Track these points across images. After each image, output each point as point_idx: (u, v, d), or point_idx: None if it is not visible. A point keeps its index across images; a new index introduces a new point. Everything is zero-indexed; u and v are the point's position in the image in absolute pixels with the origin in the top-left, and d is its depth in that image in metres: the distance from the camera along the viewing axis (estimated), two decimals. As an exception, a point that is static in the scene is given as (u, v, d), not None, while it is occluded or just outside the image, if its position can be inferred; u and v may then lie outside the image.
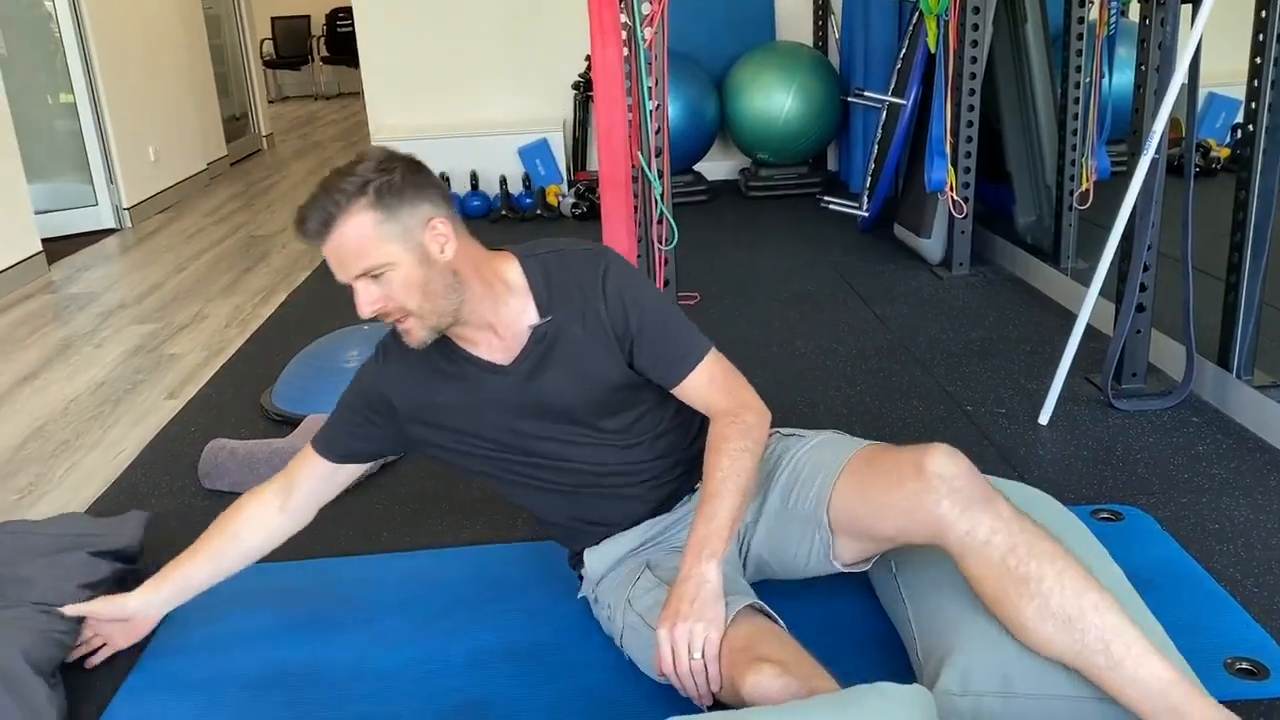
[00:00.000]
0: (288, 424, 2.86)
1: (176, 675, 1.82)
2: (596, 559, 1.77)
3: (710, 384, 1.67)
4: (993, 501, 1.48)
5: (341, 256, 1.52)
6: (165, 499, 2.54)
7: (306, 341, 3.33)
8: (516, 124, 5.76)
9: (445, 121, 5.84)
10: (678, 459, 1.77)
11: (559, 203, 5.33)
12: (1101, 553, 1.73)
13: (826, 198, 4.67)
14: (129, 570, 2.08)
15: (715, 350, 1.70)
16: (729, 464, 1.58)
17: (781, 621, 1.57)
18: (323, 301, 4.14)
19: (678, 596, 1.51)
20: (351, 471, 1.87)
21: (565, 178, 5.63)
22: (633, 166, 2.57)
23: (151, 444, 2.87)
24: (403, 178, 1.52)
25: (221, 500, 2.48)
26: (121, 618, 1.84)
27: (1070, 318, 3.33)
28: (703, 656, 1.47)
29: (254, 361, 3.47)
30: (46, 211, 5.23)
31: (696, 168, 5.53)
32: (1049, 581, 1.41)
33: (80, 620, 1.85)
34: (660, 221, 2.55)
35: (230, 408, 3.07)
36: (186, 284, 4.56)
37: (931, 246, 3.97)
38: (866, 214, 4.47)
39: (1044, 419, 2.62)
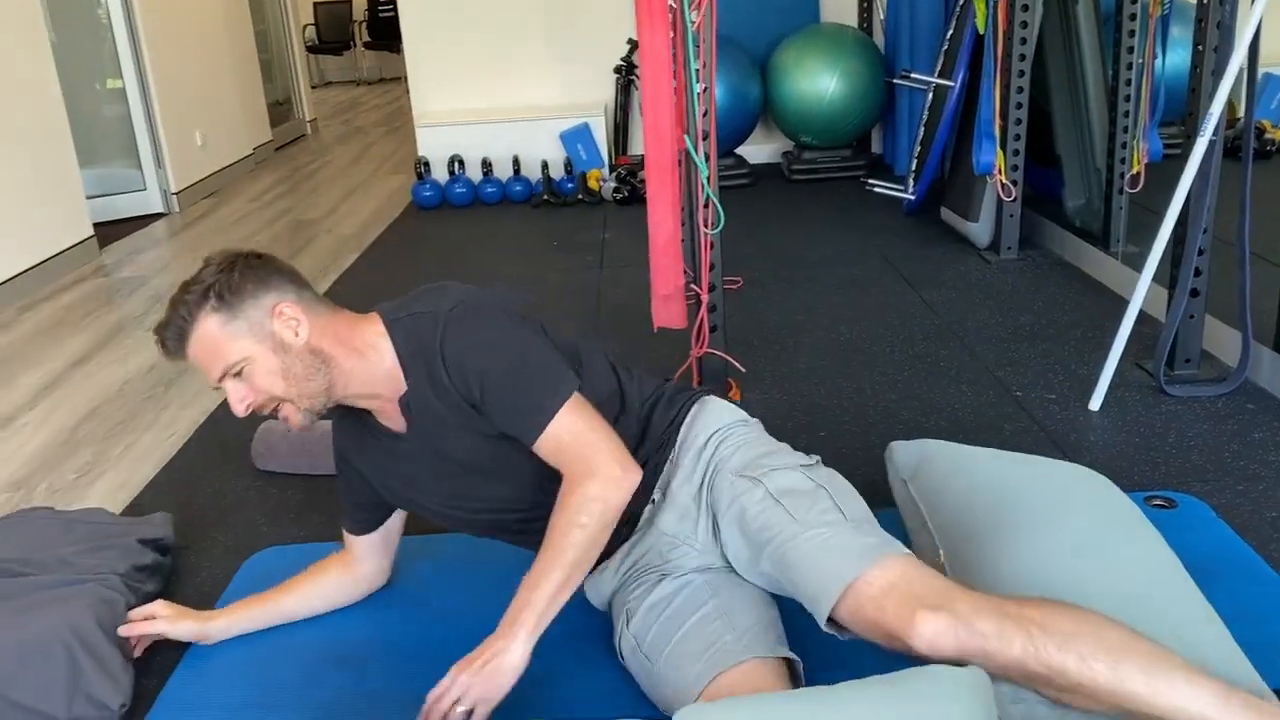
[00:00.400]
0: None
1: (239, 649, 1.85)
2: (594, 594, 1.78)
3: (557, 452, 1.58)
4: (991, 637, 1.37)
5: (202, 363, 1.56)
6: (218, 479, 2.58)
7: (354, 325, 3.37)
8: (558, 108, 5.76)
9: (488, 106, 5.86)
10: None
11: (600, 187, 5.33)
12: (1156, 538, 1.71)
13: (871, 181, 4.63)
14: (164, 562, 2.13)
15: (573, 401, 1.59)
16: (559, 539, 1.53)
17: (798, 665, 1.55)
18: (371, 285, 4.18)
19: (479, 651, 1.51)
20: (394, 525, 1.90)
21: (607, 162, 5.63)
22: (679, 150, 2.56)
23: (203, 425, 2.92)
24: (241, 274, 1.55)
25: (273, 480, 2.54)
26: (200, 638, 1.86)
27: (1121, 303, 3.29)
28: (467, 713, 1.49)
29: (302, 344, 3.51)
30: (96, 196, 5.31)
31: (738, 151, 5.51)
32: (1071, 667, 1.35)
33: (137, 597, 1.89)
34: (706, 205, 2.54)
35: (280, 390, 3.10)
36: (234, 268, 4.61)
37: (979, 230, 3.93)
38: (912, 197, 4.43)
39: (1095, 404, 2.59)
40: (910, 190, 4.46)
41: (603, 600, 1.78)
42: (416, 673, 1.62)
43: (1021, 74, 3.69)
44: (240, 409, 1.57)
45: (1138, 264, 2.84)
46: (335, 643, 1.85)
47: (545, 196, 5.36)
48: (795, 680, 1.56)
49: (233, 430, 2.84)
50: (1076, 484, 1.90)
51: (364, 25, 12.21)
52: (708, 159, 2.52)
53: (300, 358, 1.56)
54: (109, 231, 5.26)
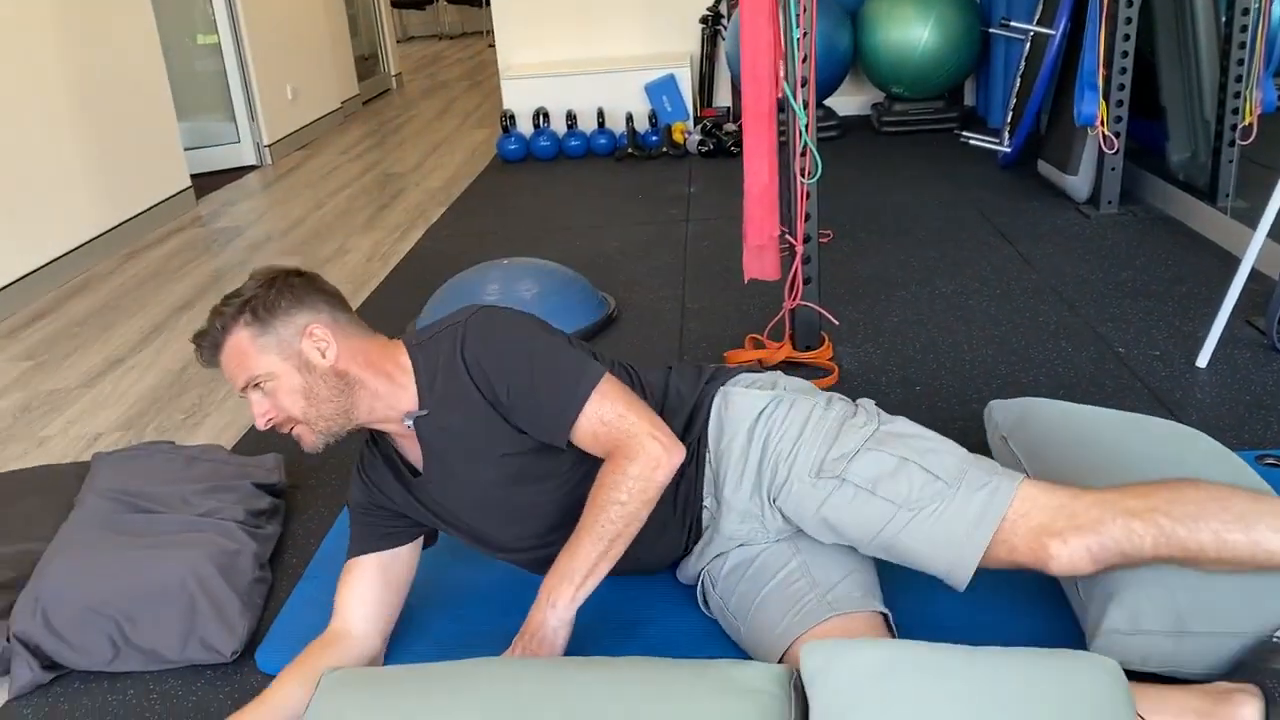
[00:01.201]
0: (431, 354, 2.94)
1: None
2: (681, 574, 1.78)
3: (594, 438, 1.56)
4: (1122, 542, 1.42)
5: (228, 371, 1.58)
6: (319, 423, 2.64)
7: (445, 275, 3.40)
8: (644, 59, 5.72)
9: (573, 58, 5.84)
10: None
11: (685, 140, 5.29)
12: (1268, 492, 1.66)
13: (965, 133, 4.52)
14: (279, 504, 2.19)
15: (603, 384, 1.57)
16: (597, 514, 1.52)
17: (888, 618, 1.55)
18: (460, 238, 4.23)
19: (524, 629, 1.52)
20: (403, 570, 1.73)
21: (691, 115, 5.59)
22: (776, 98, 2.53)
23: (303, 371, 2.98)
24: (279, 291, 1.57)
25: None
26: None
27: (1228, 259, 3.19)
28: None
29: (397, 295, 3.56)
30: (192, 149, 5.43)
31: (827, 102, 5.42)
32: (1208, 545, 1.40)
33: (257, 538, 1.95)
34: (804, 154, 2.50)
35: (375, 338, 3.16)
36: (327, 219, 4.70)
37: (1078, 183, 3.82)
38: (1008, 150, 4.32)
39: (1202, 361, 2.52)
40: (1006, 143, 4.35)
41: (690, 578, 1.78)
42: (513, 609, 1.64)
43: (1129, 21, 3.55)
44: (261, 422, 1.58)
45: (1248, 219, 2.74)
46: (438, 580, 1.89)
47: (630, 149, 5.34)
48: (889, 634, 1.55)
49: (331, 376, 2.91)
50: (1182, 441, 1.86)
51: (447, -20, 12.22)
52: (806, 106, 2.48)
53: (324, 379, 1.57)
54: (204, 183, 5.38)
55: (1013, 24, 4.24)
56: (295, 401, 1.57)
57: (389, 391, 1.60)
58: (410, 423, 1.61)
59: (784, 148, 2.56)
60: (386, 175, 5.52)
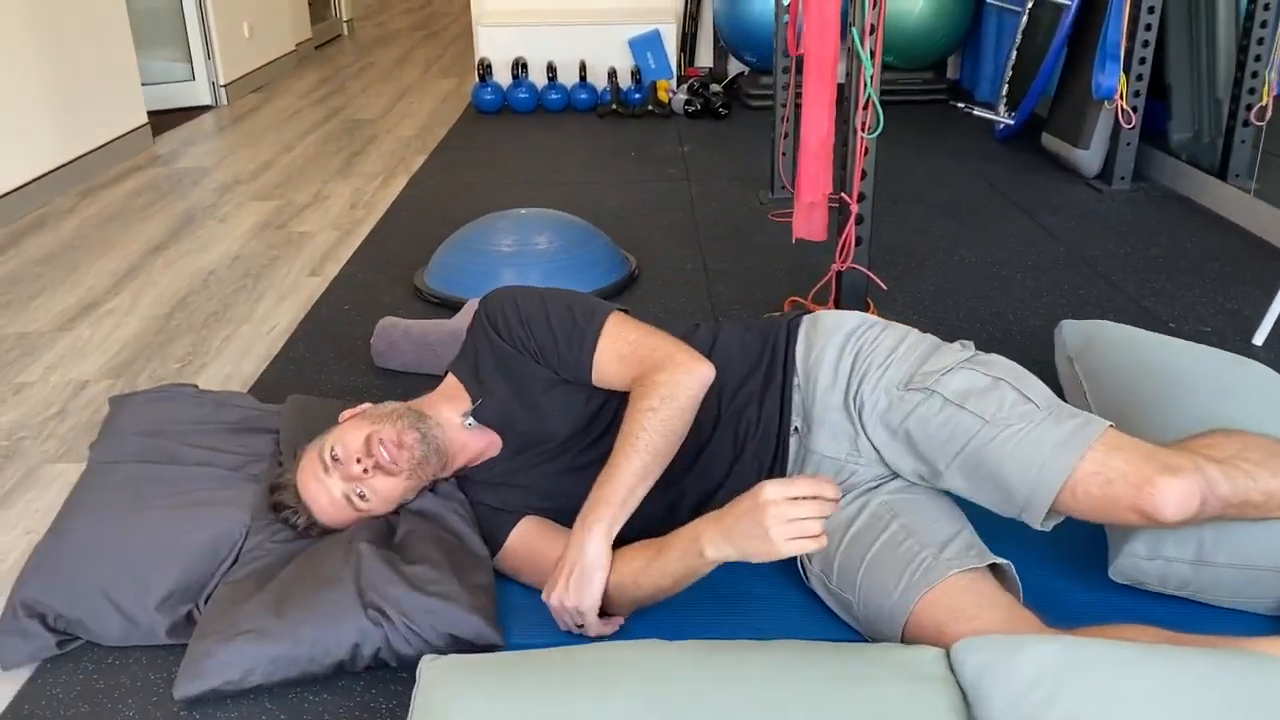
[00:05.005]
0: (445, 306, 2.76)
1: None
2: None
3: (620, 361, 1.58)
4: (1217, 485, 1.39)
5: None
6: (336, 376, 2.45)
7: (440, 225, 3.24)
8: (627, 13, 5.53)
9: (552, 8, 5.62)
10: (736, 387, 1.66)
11: (670, 99, 5.13)
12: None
13: (965, 104, 4.46)
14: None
15: (615, 317, 1.61)
16: (629, 427, 1.50)
17: (1011, 571, 1.47)
18: (449, 186, 4.02)
19: (559, 564, 1.48)
20: None
21: (675, 74, 5.42)
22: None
23: (306, 320, 2.77)
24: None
25: (395, 380, 2.40)
26: None
27: (1250, 237, 3.17)
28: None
29: (390, 242, 3.36)
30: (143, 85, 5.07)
31: (814, 69, 5.29)
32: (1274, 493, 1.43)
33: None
34: (866, 107, 2.38)
35: (379, 288, 2.96)
36: (298, 164, 4.43)
37: (1089, 158, 3.77)
38: (1011, 122, 4.25)
39: (1259, 339, 2.47)
40: (1008, 115, 4.28)
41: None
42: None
43: (1154, -7, 3.50)
44: (356, 469, 1.60)
45: (1271, 199, 2.70)
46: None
47: (613, 106, 5.15)
48: (1012, 586, 1.47)
49: (342, 327, 2.71)
50: (1247, 371, 1.86)
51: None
52: (873, 55, 2.35)
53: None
54: (157, 122, 5.04)
55: (1028, -8, 4.13)
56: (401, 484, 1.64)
57: (445, 424, 1.66)
58: (470, 421, 1.67)
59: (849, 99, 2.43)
60: (353, 121, 5.24)
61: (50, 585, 1.58)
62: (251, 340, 2.69)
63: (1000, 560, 1.47)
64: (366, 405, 1.71)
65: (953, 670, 1.24)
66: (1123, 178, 3.69)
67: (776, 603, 1.63)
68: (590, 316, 1.61)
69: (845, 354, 1.64)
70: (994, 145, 4.37)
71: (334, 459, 1.59)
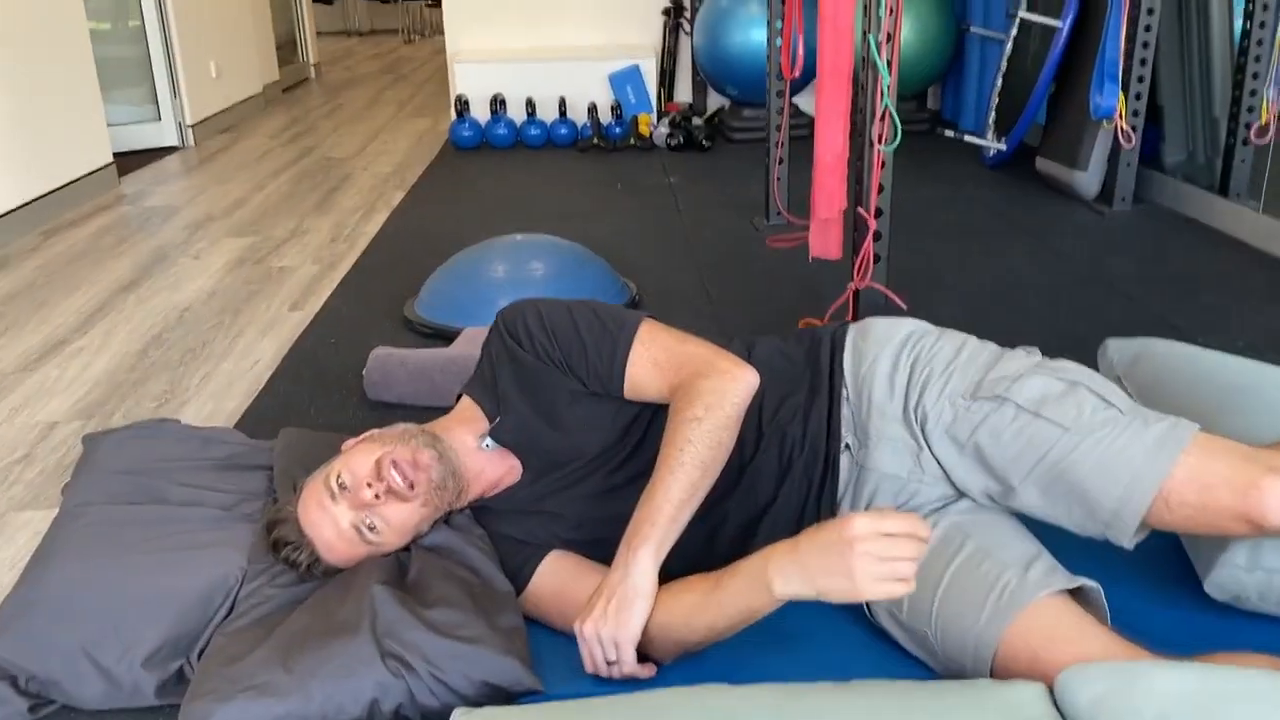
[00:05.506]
0: (438, 336, 2.61)
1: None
2: None
3: (655, 368, 1.45)
4: None
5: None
6: (326, 411, 2.28)
7: (427, 256, 3.10)
8: (606, 50, 5.45)
9: (529, 44, 5.54)
10: (778, 400, 1.52)
11: (651, 133, 5.04)
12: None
13: (954, 131, 4.39)
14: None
15: (648, 323, 1.49)
16: (672, 440, 1.37)
17: (1098, 593, 1.32)
18: (433, 219, 3.88)
19: (598, 590, 1.34)
20: None
21: (655, 108, 5.34)
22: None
23: (290, 354, 2.61)
24: None
25: (390, 413, 2.23)
26: None
27: (1260, 255, 3.10)
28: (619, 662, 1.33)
29: (376, 275, 3.21)
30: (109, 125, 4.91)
31: (796, 100, 5.24)
32: None
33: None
34: (883, 118, 2.27)
35: (367, 320, 2.80)
36: (273, 200, 4.28)
37: (1087, 180, 3.70)
38: (1003, 148, 4.19)
39: (1297, 353, 2.38)
40: (999, 141, 4.22)
41: None
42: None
43: (1150, 11, 3.46)
44: (366, 494, 1.42)
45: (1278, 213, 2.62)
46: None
47: (595, 141, 5.05)
48: (1097, 610, 1.33)
49: (329, 360, 2.55)
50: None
51: (357, -27, 11.75)
52: (890, 65, 2.25)
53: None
54: (123, 163, 4.86)
55: (1023, 15, 4.08)
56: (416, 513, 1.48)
57: (462, 451, 1.52)
58: (488, 442, 1.53)
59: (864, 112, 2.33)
60: (327, 159, 5.10)
61: (20, 643, 1.40)
62: (233, 376, 2.52)
63: (1088, 581, 1.33)
64: (373, 430, 1.55)
65: (1057, 705, 1.10)
66: (1124, 199, 3.62)
67: (831, 639, 1.48)
68: (621, 323, 1.49)
69: (901, 364, 1.50)
70: (986, 172, 4.30)
71: (341, 486, 1.43)
